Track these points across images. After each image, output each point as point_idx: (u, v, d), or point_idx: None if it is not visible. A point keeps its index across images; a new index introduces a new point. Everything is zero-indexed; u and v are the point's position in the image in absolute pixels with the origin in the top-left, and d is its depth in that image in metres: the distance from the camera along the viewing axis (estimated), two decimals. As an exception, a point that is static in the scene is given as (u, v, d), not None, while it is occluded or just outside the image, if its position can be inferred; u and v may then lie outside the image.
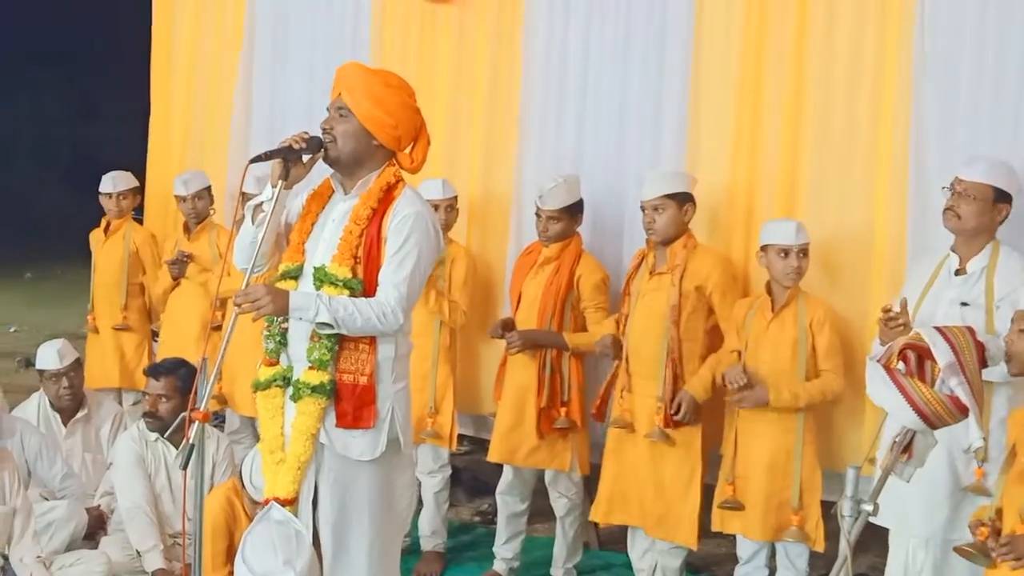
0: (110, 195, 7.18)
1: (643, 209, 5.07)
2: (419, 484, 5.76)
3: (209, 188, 6.90)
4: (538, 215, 5.42)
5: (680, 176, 5.15)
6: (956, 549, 3.75)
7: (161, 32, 8.10)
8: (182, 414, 3.59)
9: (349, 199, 3.96)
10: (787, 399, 4.72)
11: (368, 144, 3.93)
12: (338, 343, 3.86)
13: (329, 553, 3.94)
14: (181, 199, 6.86)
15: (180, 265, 6.77)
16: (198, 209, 6.84)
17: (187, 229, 6.92)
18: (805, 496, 4.78)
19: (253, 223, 3.94)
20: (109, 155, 9.25)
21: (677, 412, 4.95)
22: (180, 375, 5.39)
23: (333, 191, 4.04)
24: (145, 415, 5.49)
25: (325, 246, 3.94)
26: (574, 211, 5.45)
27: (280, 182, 3.83)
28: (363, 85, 3.93)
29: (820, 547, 4.79)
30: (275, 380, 3.97)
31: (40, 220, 20.34)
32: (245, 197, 6.31)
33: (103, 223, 7.28)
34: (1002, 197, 4.27)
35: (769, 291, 4.89)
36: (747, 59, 5.33)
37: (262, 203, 3.92)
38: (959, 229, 4.29)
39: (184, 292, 6.83)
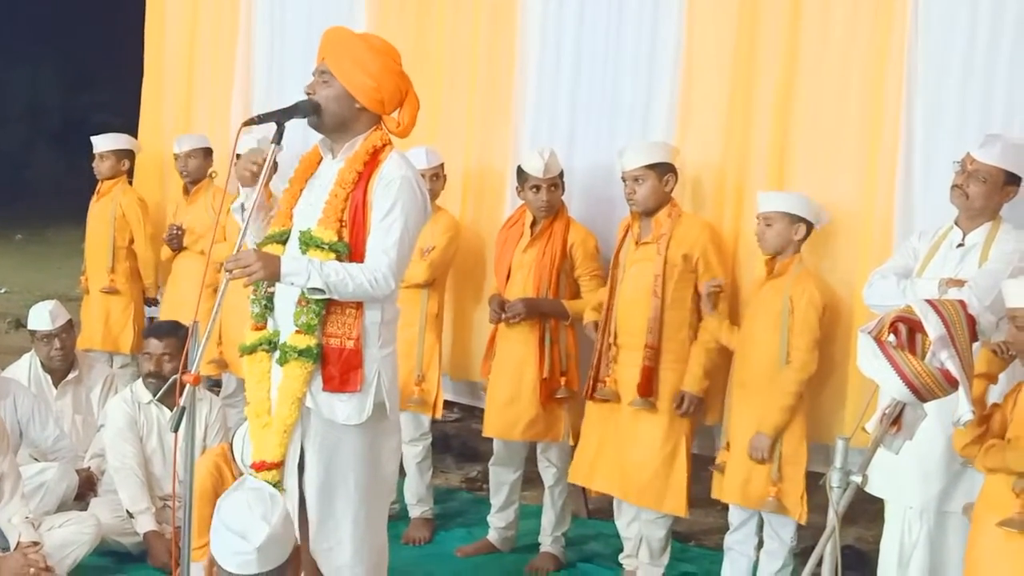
0: (96, 156, 7.17)
1: (624, 180, 5.07)
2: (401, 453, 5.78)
3: (205, 149, 6.85)
4: (536, 188, 5.39)
5: (660, 147, 5.16)
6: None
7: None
8: (174, 377, 3.59)
9: (335, 163, 3.96)
10: (777, 422, 4.76)
11: (351, 108, 3.92)
12: (325, 307, 3.87)
13: (315, 517, 3.96)
14: (175, 157, 6.85)
15: (174, 239, 6.76)
16: (189, 168, 6.81)
17: (186, 191, 6.91)
18: (788, 468, 4.79)
19: (240, 220, 3.95)
20: (101, 119, 9.22)
21: (680, 406, 4.99)
22: (180, 335, 5.43)
23: (321, 157, 4.04)
24: (148, 375, 5.48)
25: (311, 210, 3.94)
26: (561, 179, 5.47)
27: (273, 145, 3.83)
28: (346, 49, 3.93)
29: (802, 520, 4.80)
30: (261, 344, 3.98)
31: (31, 183, 20.32)
32: (239, 158, 6.32)
33: (97, 186, 7.26)
34: (1012, 179, 4.27)
35: (770, 261, 4.88)
36: (739, 34, 5.31)
37: (243, 204, 3.98)
38: (966, 207, 4.30)
39: (185, 258, 6.83)
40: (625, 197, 5.09)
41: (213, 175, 6.86)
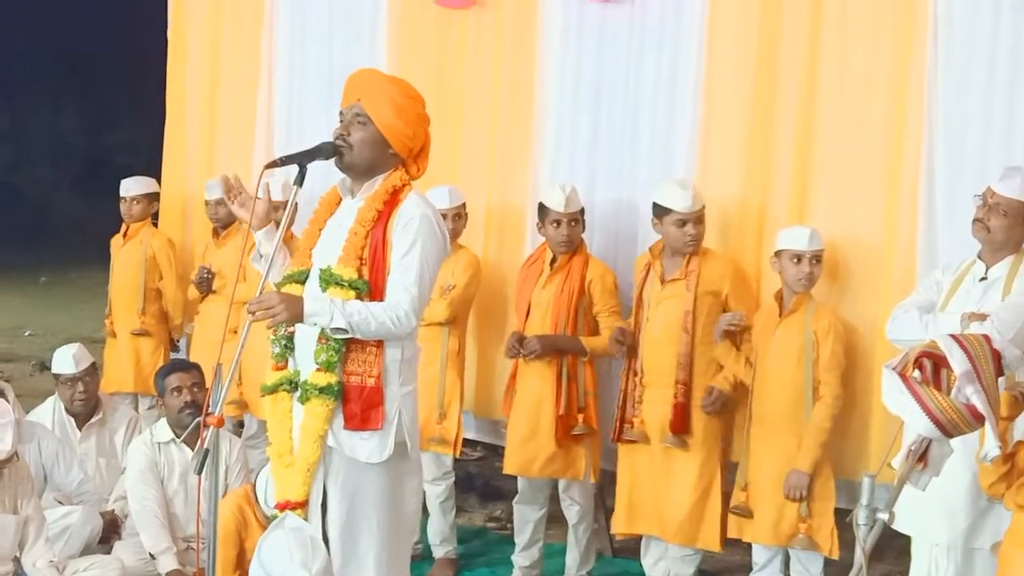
0: (124, 199, 7.23)
1: (684, 223, 5.04)
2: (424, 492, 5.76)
3: None
4: (557, 223, 5.39)
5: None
6: None
7: (177, 38, 8.12)
8: (197, 419, 3.59)
9: (355, 203, 3.98)
10: (815, 458, 4.75)
11: (384, 152, 3.95)
12: (345, 345, 3.87)
13: (339, 557, 3.93)
14: (206, 204, 6.89)
15: (204, 282, 6.78)
16: (219, 215, 6.84)
17: (216, 234, 6.94)
18: (816, 504, 4.78)
19: (260, 268, 3.98)
20: (125, 161, 9.29)
21: (707, 401, 4.98)
22: (198, 368, 5.52)
23: (340, 197, 4.06)
24: (184, 407, 5.44)
25: (331, 249, 3.95)
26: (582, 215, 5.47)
27: (295, 187, 3.84)
28: (383, 93, 3.94)
29: (834, 555, 4.79)
30: (282, 384, 3.97)
31: (55, 224, 20.42)
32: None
33: (122, 228, 7.31)
34: None
35: (779, 298, 4.90)
36: (760, 67, 5.32)
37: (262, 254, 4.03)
38: (987, 241, 4.28)
39: (213, 301, 6.86)
40: (688, 237, 5.04)
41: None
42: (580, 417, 5.38)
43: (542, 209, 5.43)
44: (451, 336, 5.74)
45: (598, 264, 5.47)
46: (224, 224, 6.87)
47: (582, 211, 5.43)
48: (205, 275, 6.76)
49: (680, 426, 5.01)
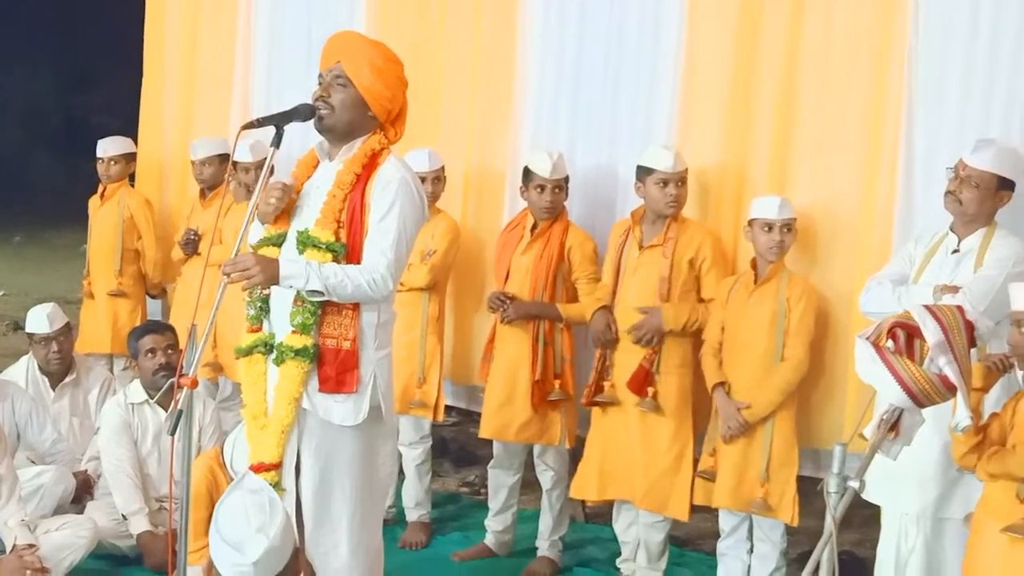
0: (101, 160, 7.18)
1: (666, 183, 5.04)
2: (400, 455, 5.77)
3: (221, 156, 6.75)
4: (541, 188, 5.37)
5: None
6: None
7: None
8: (171, 379, 3.58)
9: (333, 165, 3.97)
10: (763, 410, 4.79)
11: (363, 114, 3.94)
12: (321, 308, 3.87)
13: (311, 519, 3.95)
14: (192, 164, 6.83)
15: (190, 243, 6.74)
16: (204, 175, 6.77)
17: (203, 195, 6.90)
18: (778, 470, 4.81)
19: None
20: (100, 120, 9.22)
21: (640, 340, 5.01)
22: (172, 330, 5.53)
23: (318, 161, 4.04)
24: (159, 369, 5.43)
25: (309, 211, 3.94)
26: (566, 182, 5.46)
27: (272, 148, 3.82)
28: (365, 56, 3.93)
29: (794, 521, 4.83)
30: (257, 346, 3.98)
31: (30, 185, 20.26)
32: (236, 166, 6.31)
33: (99, 189, 7.27)
34: (1005, 184, 4.26)
35: (754, 266, 4.92)
36: (740, 35, 5.30)
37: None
38: (959, 213, 4.29)
39: (198, 261, 6.80)
40: (669, 199, 5.03)
41: (230, 179, 6.88)
42: (556, 383, 5.39)
43: (527, 173, 5.42)
44: (431, 301, 5.73)
45: (578, 231, 5.46)
46: (211, 186, 6.81)
47: (566, 178, 5.43)
48: (192, 237, 6.73)
49: (637, 387, 5.02)
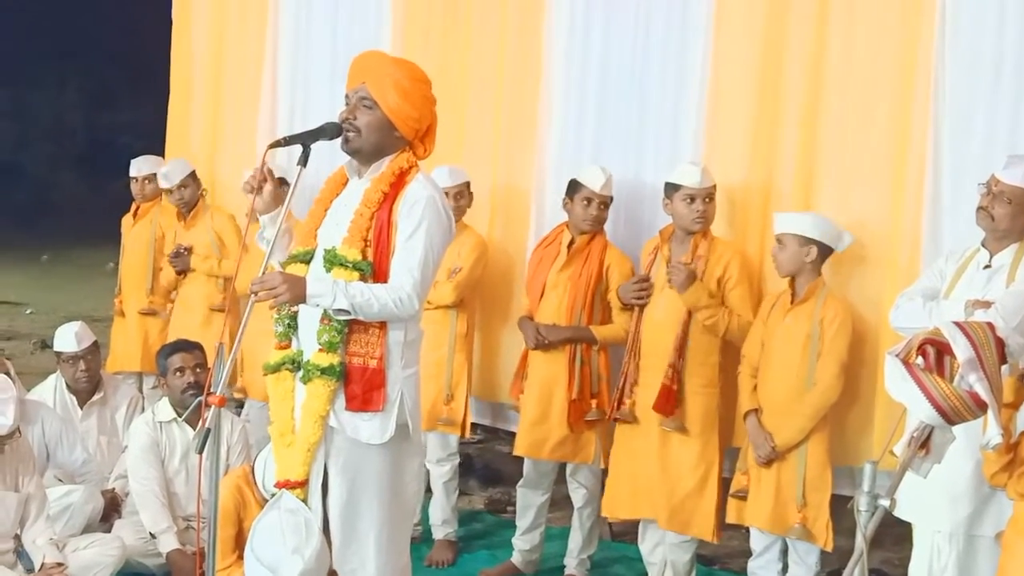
0: (135, 179, 7.25)
1: (693, 199, 5.03)
2: (427, 473, 5.76)
3: (192, 174, 6.97)
4: (588, 201, 5.35)
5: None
6: None
7: (182, 17, 8.08)
8: (198, 398, 3.59)
9: (361, 183, 3.96)
10: (793, 438, 4.76)
11: (390, 135, 3.93)
12: (348, 326, 3.86)
13: (339, 537, 3.94)
14: (168, 192, 6.91)
15: (181, 259, 6.80)
16: (186, 198, 6.92)
17: (181, 217, 6.95)
18: (812, 494, 4.78)
19: (264, 247, 3.96)
20: (125, 140, 9.27)
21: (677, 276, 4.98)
22: (200, 349, 5.53)
23: (347, 179, 4.05)
24: (188, 388, 5.45)
25: (337, 229, 3.94)
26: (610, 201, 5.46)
27: (299, 168, 3.83)
28: (389, 76, 3.92)
29: (828, 547, 4.78)
30: (285, 363, 3.97)
31: (56, 203, 20.41)
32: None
33: (132, 207, 7.32)
34: None
35: (792, 285, 4.87)
36: (766, 53, 5.30)
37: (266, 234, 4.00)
38: (991, 229, 4.27)
39: (192, 281, 6.89)
40: (695, 215, 5.01)
41: (204, 193, 6.98)
42: (593, 403, 5.37)
43: (575, 185, 5.40)
44: (459, 318, 5.73)
45: (616, 251, 5.44)
46: (189, 207, 6.90)
47: (611, 199, 5.42)
48: (181, 251, 6.79)
49: (662, 407, 4.99)
